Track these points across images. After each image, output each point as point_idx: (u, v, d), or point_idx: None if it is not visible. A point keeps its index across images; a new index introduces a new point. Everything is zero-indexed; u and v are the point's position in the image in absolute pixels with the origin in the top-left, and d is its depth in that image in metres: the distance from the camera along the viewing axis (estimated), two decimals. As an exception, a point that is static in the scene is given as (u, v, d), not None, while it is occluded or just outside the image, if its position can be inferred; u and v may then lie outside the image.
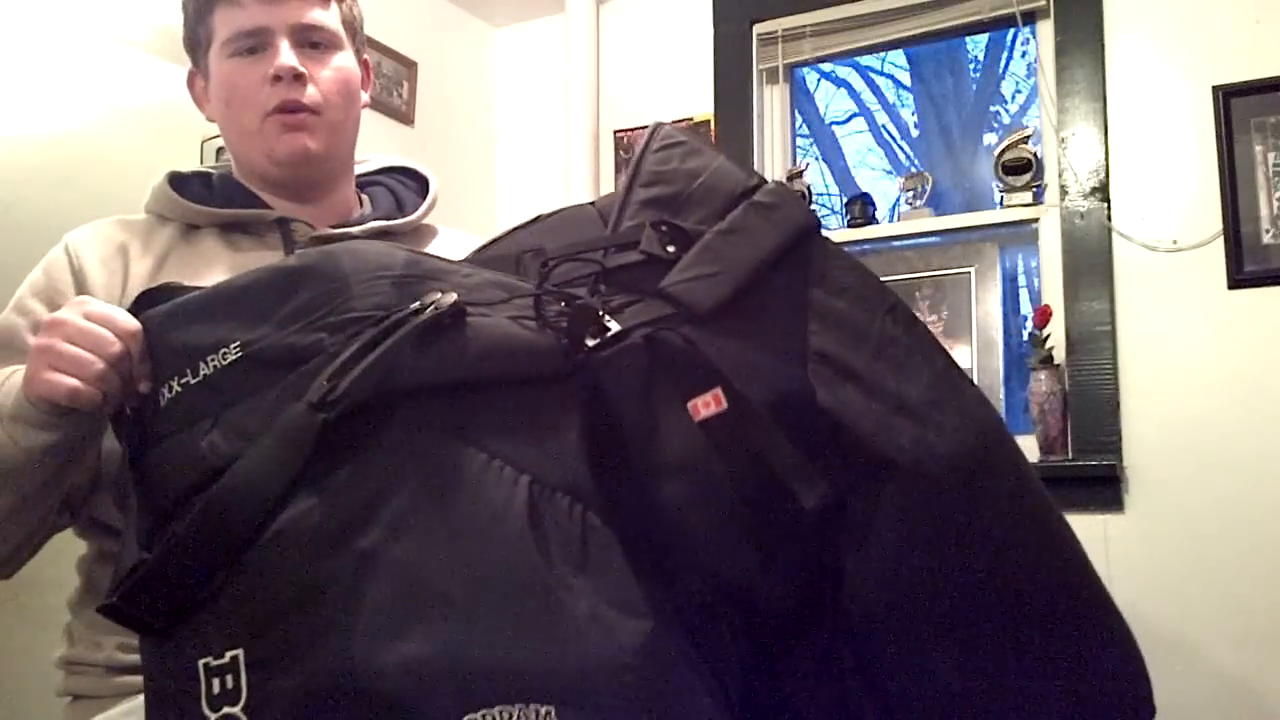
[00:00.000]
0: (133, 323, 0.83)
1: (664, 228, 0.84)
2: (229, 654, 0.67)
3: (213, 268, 1.14)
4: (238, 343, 0.76)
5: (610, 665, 0.69)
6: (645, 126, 2.82)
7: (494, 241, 0.95)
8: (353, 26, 1.23)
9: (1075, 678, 0.80)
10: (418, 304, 0.75)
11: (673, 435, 0.76)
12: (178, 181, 1.19)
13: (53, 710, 1.13)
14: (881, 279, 0.87)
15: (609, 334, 0.78)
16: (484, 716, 0.64)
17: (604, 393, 0.77)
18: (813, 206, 2.82)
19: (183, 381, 0.76)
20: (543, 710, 0.65)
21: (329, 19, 1.18)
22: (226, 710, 0.66)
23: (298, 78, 1.14)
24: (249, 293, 0.79)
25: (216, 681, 0.67)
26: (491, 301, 0.80)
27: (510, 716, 0.64)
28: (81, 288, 1.11)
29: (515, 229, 0.95)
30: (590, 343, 0.78)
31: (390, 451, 0.72)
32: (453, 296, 0.75)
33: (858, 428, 0.78)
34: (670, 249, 0.83)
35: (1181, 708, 2.17)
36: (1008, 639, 0.79)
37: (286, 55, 1.14)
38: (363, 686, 0.64)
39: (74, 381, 0.83)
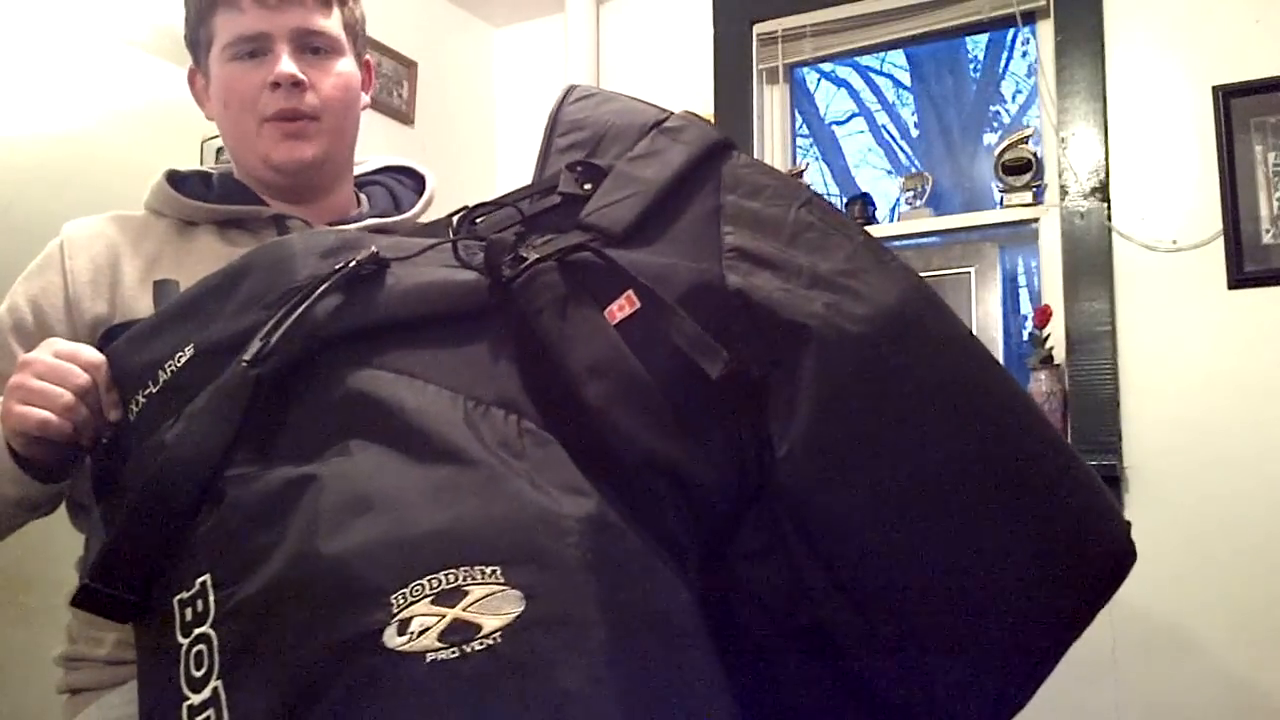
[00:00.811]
0: (96, 356, 0.89)
1: (579, 167, 0.88)
2: (197, 581, 0.71)
3: (208, 264, 1.14)
4: (191, 343, 0.80)
5: (556, 527, 0.70)
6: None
7: None
8: (354, 30, 1.23)
9: (1040, 533, 0.78)
10: (339, 263, 0.80)
11: (592, 341, 0.79)
12: (176, 179, 1.20)
13: (52, 710, 1.13)
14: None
15: (525, 262, 0.82)
16: (430, 580, 0.65)
17: (527, 317, 0.81)
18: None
19: (146, 393, 0.81)
20: (488, 570, 0.66)
21: (330, 24, 1.18)
22: (197, 632, 0.69)
23: (297, 85, 1.14)
24: (200, 298, 0.84)
25: (189, 610, 0.70)
26: (411, 254, 0.84)
27: (455, 578, 0.65)
28: (70, 288, 1.11)
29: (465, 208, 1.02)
30: (507, 273, 0.82)
31: (322, 390, 0.76)
32: (370, 250, 0.80)
33: (769, 302, 0.79)
34: (586, 186, 0.87)
35: (1181, 707, 2.17)
36: (956, 499, 0.77)
37: (286, 63, 1.14)
38: (315, 573, 0.67)
39: (44, 414, 0.88)
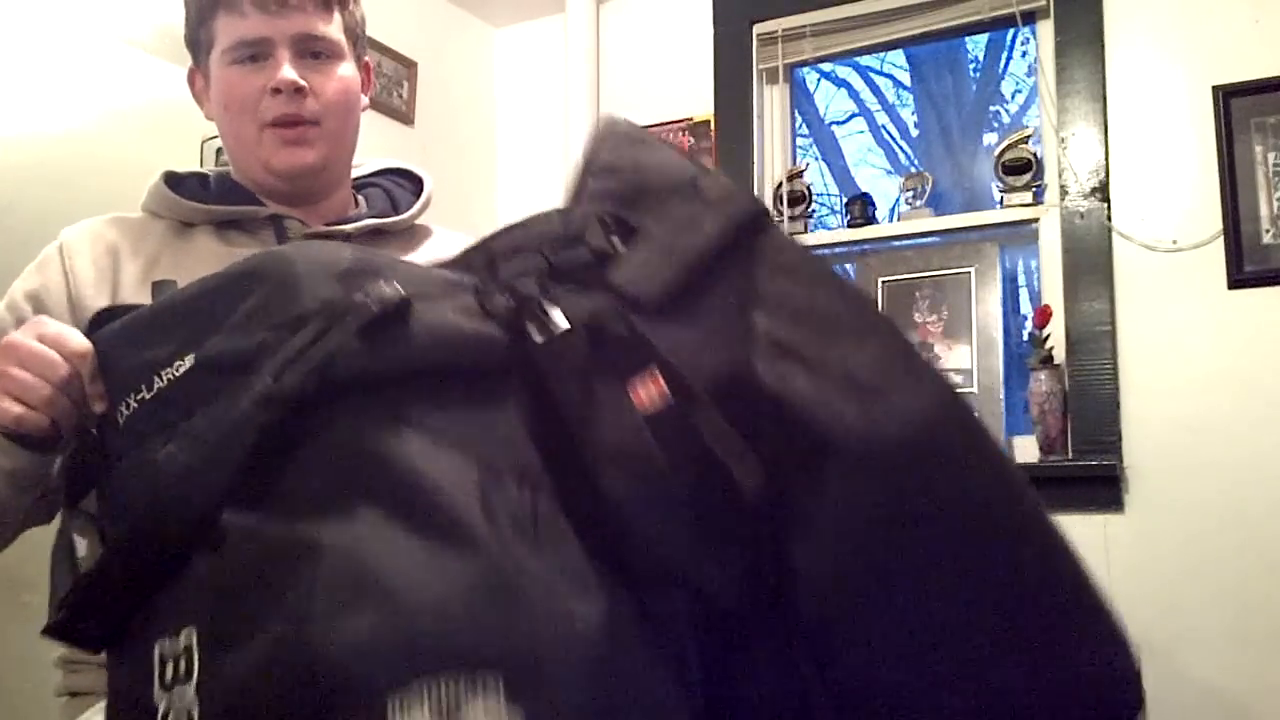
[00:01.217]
0: (83, 344, 0.84)
1: (609, 220, 0.84)
2: (182, 633, 0.68)
3: (207, 265, 1.14)
4: (190, 354, 0.76)
5: (562, 637, 0.67)
6: (645, 126, 2.83)
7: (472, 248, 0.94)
8: (354, 34, 1.23)
9: (1058, 678, 0.77)
10: (360, 295, 0.75)
11: (613, 421, 0.75)
12: (173, 180, 1.20)
13: (51, 712, 1.13)
14: (845, 275, 0.88)
15: (550, 324, 0.78)
16: (429, 685, 0.63)
17: (548, 382, 0.77)
18: (813, 206, 2.82)
19: (138, 398, 0.77)
20: (490, 680, 0.64)
21: (331, 29, 1.18)
22: (179, 692, 0.67)
23: (298, 91, 1.14)
24: (199, 301, 0.80)
25: (170, 666, 0.68)
26: (432, 295, 0.79)
27: (455, 683, 0.63)
28: (73, 287, 1.11)
29: (485, 237, 0.95)
30: (533, 333, 0.78)
31: (333, 444, 0.72)
32: (396, 288, 0.75)
33: (799, 405, 0.74)
34: (615, 241, 0.83)
35: (1181, 707, 2.17)
36: (981, 637, 0.74)
37: (287, 69, 1.14)
38: (308, 661, 0.64)
39: (19, 409, 0.85)
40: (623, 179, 0.88)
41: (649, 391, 0.75)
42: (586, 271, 0.82)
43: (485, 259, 0.87)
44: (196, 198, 1.18)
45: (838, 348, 0.77)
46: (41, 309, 1.11)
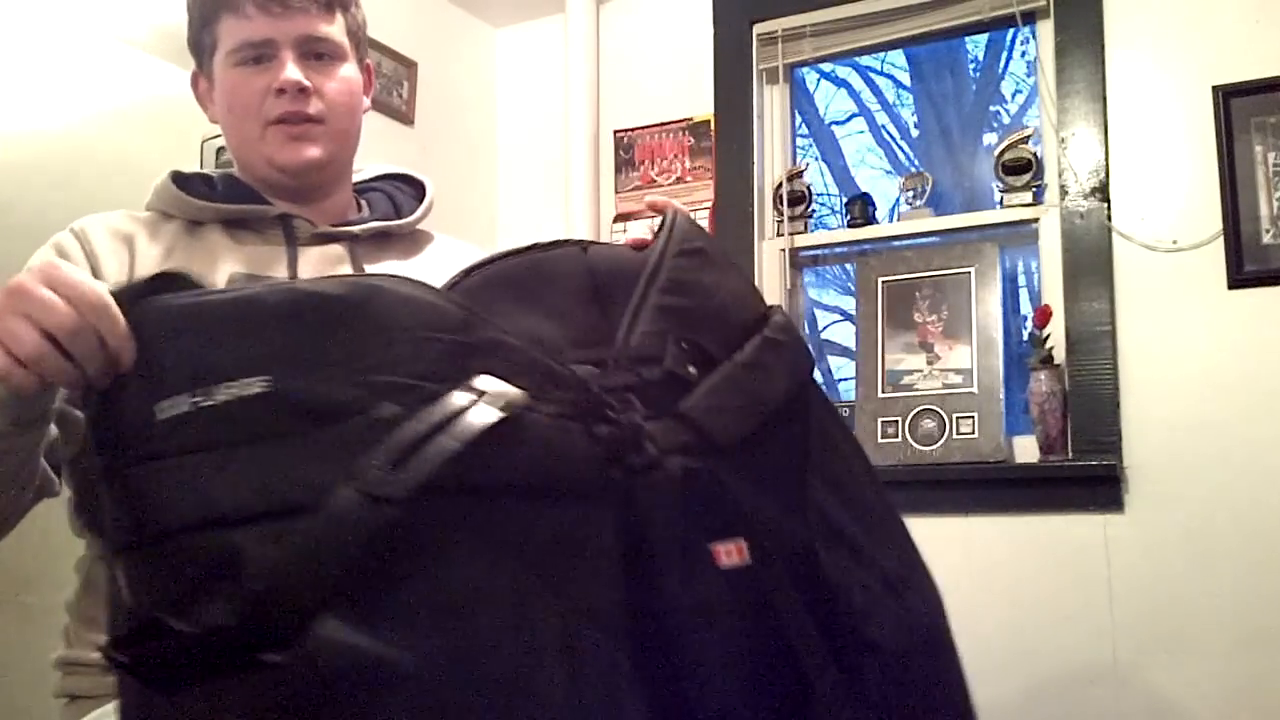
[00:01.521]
0: (100, 295, 0.72)
1: (684, 345, 0.83)
2: None
3: (218, 261, 1.15)
4: (266, 376, 0.67)
5: None
6: (645, 126, 2.82)
7: (487, 263, 0.94)
8: (356, 35, 1.24)
9: None
10: (474, 395, 0.69)
11: (700, 581, 0.75)
12: (179, 180, 1.20)
13: (52, 711, 1.13)
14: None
15: (648, 458, 0.75)
16: None
17: (640, 520, 0.75)
18: (813, 206, 2.82)
19: (194, 401, 0.67)
20: None
21: (334, 31, 1.20)
22: None
23: (302, 91, 1.16)
24: (281, 314, 0.70)
25: None
26: (540, 394, 0.74)
27: None
28: (94, 270, 1.11)
29: (507, 255, 0.94)
30: (631, 463, 0.75)
31: (429, 559, 0.67)
32: (515, 394, 0.70)
33: (855, 608, 0.81)
34: (691, 370, 0.82)
35: (1181, 708, 2.17)
36: None
37: (291, 70, 1.15)
38: None
39: (3, 360, 0.74)
40: (694, 301, 0.87)
41: (732, 552, 0.76)
42: (662, 393, 0.80)
43: (556, 353, 0.82)
44: (203, 197, 1.19)
45: (873, 540, 0.85)
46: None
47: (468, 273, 0.95)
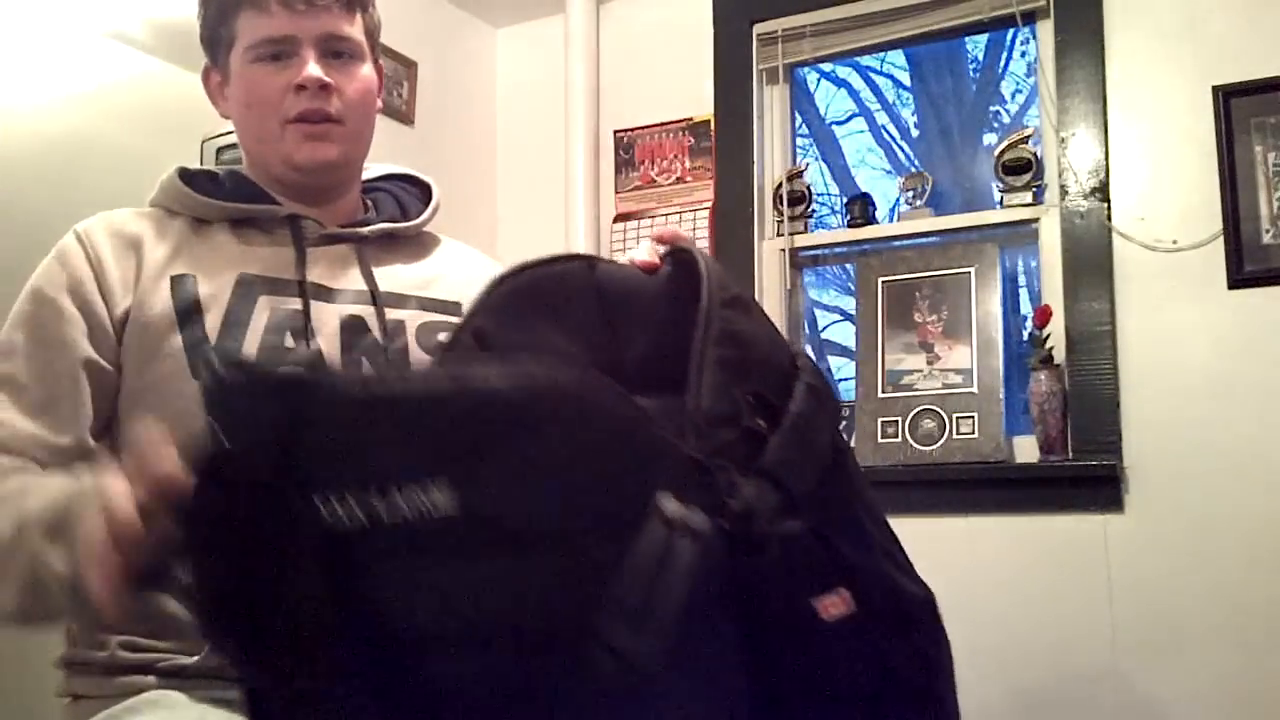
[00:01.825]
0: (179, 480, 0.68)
1: (751, 398, 0.85)
2: None
3: (227, 262, 1.15)
4: (451, 490, 0.61)
5: None
6: (645, 126, 2.81)
7: (515, 273, 0.97)
8: (373, 36, 1.25)
9: None
10: (665, 525, 0.69)
11: (807, 634, 0.78)
12: (185, 177, 1.20)
13: (52, 711, 1.13)
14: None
15: (762, 532, 0.77)
16: None
17: (758, 594, 0.78)
18: (813, 206, 2.82)
19: (365, 510, 0.60)
20: None
21: (354, 30, 1.19)
22: None
23: (323, 88, 1.15)
24: (456, 409, 0.64)
25: None
26: (693, 498, 0.74)
27: None
28: (100, 279, 1.11)
29: (531, 265, 0.98)
30: (747, 541, 0.77)
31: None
32: (699, 522, 0.70)
33: (917, 613, 0.87)
34: (761, 422, 0.84)
35: (1181, 707, 2.17)
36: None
37: (313, 67, 1.15)
38: None
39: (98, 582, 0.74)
40: (745, 351, 0.89)
41: (837, 604, 0.79)
42: (737, 449, 0.82)
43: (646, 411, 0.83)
44: (211, 195, 1.19)
45: (906, 561, 0.91)
46: (79, 298, 1.10)
47: (499, 282, 0.98)
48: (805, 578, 0.79)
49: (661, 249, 1.00)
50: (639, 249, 1.03)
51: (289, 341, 1.12)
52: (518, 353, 0.96)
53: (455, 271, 1.29)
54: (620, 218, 2.95)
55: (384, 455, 0.62)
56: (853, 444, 2.55)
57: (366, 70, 1.21)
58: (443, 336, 1.20)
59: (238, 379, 0.65)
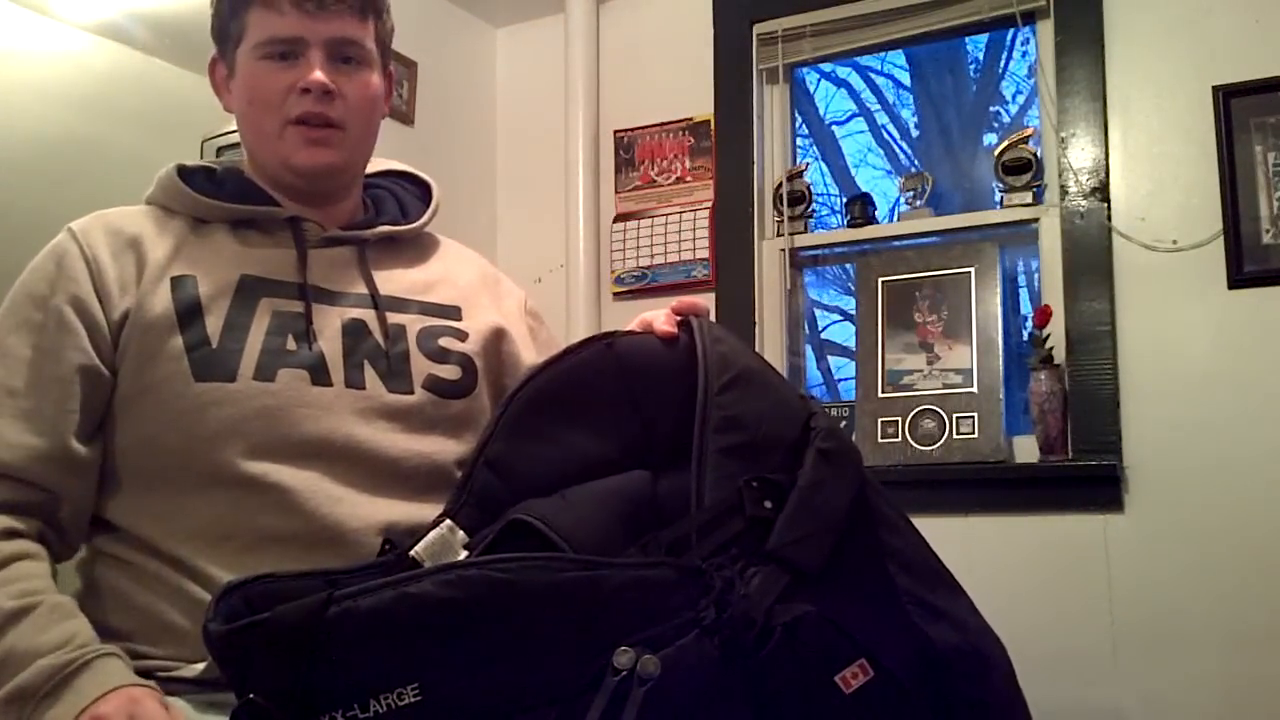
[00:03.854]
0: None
1: (754, 484, 0.88)
2: None
3: (228, 264, 1.14)
4: (416, 684, 0.73)
5: None
6: (645, 126, 2.82)
7: (524, 385, 1.02)
8: (384, 44, 1.25)
9: None
10: (618, 673, 0.75)
11: (827, 707, 0.80)
12: (184, 174, 1.20)
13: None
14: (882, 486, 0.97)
15: (763, 628, 0.80)
16: None
17: (761, 682, 0.80)
18: (813, 206, 2.82)
19: (349, 715, 0.73)
20: None
21: (365, 36, 1.19)
22: None
23: (327, 93, 1.15)
24: (423, 623, 0.75)
25: None
26: (669, 632, 0.79)
27: None
28: (97, 280, 1.10)
29: (540, 371, 1.02)
30: (749, 640, 0.80)
31: None
32: (649, 662, 0.76)
33: (961, 668, 0.89)
34: (767, 504, 0.87)
35: (1181, 707, 2.17)
36: None
37: (319, 70, 1.14)
38: None
39: None
40: (747, 434, 0.91)
41: (857, 674, 0.81)
42: (746, 538, 0.85)
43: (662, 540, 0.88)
44: (209, 194, 1.18)
45: (952, 600, 0.93)
46: (75, 302, 1.09)
47: (507, 402, 1.01)
48: (821, 657, 0.81)
49: (678, 318, 1.04)
50: (658, 315, 1.06)
51: (290, 344, 1.12)
52: (537, 474, 0.99)
53: (456, 276, 1.29)
54: (620, 218, 2.95)
55: (366, 673, 0.73)
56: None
57: (374, 77, 1.21)
58: (443, 342, 1.21)
59: (252, 636, 0.76)
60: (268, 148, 1.18)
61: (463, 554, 0.95)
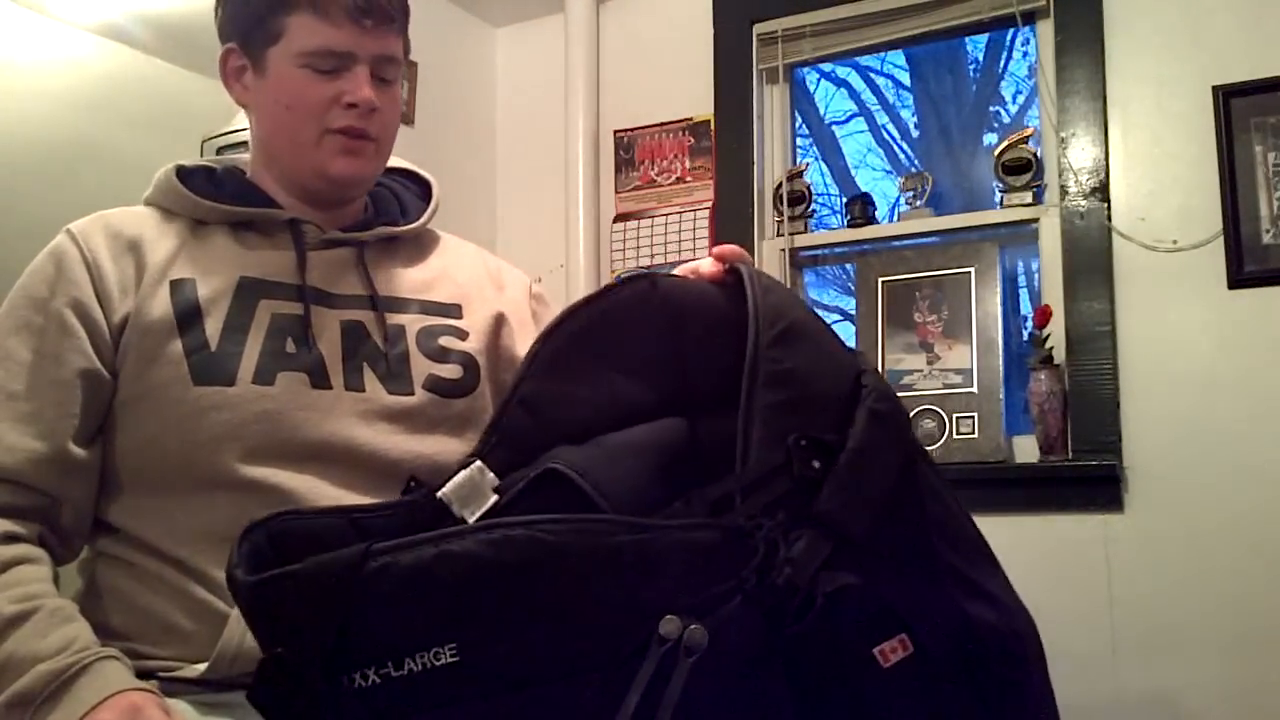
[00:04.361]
0: None
1: (803, 443, 0.84)
2: None
3: (225, 264, 1.14)
4: (453, 644, 0.70)
5: None
6: (645, 126, 2.82)
7: (559, 324, 0.97)
8: (405, 56, 1.25)
9: None
10: (664, 643, 0.73)
11: (865, 681, 0.79)
12: (182, 175, 1.19)
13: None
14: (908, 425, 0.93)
15: (806, 599, 0.78)
16: None
17: (801, 653, 0.78)
18: (813, 206, 2.82)
19: (381, 673, 0.70)
20: None
21: (400, 52, 1.20)
22: None
23: (372, 110, 1.16)
24: (462, 582, 0.72)
25: None
26: (713, 605, 0.78)
27: None
28: (97, 283, 1.10)
29: (575, 310, 0.97)
30: (792, 611, 0.78)
31: None
32: (697, 633, 0.74)
33: (998, 647, 0.88)
34: (815, 464, 0.84)
35: (1181, 707, 2.17)
36: None
37: (368, 87, 1.15)
38: None
39: None
40: (798, 391, 0.88)
41: (896, 649, 0.80)
42: (793, 497, 0.83)
43: (705, 499, 0.86)
44: (208, 194, 1.18)
45: (989, 573, 0.93)
46: (76, 305, 1.09)
47: (544, 339, 0.97)
48: (861, 629, 0.79)
49: (722, 265, 1.00)
50: (703, 261, 1.03)
51: (290, 347, 1.12)
52: (571, 416, 0.96)
53: (456, 272, 1.29)
54: (620, 218, 2.95)
55: (402, 631, 0.71)
56: (853, 444, 2.55)
57: (399, 92, 1.22)
58: (443, 341, 1.20)
59: (285, 588, 0.72)
60: (302, 154, 1.17)
61: (492, 497, 0.92)
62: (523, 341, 1.25)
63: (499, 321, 1.26)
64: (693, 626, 0.73)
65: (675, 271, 1.03)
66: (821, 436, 0.85)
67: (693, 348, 0.97)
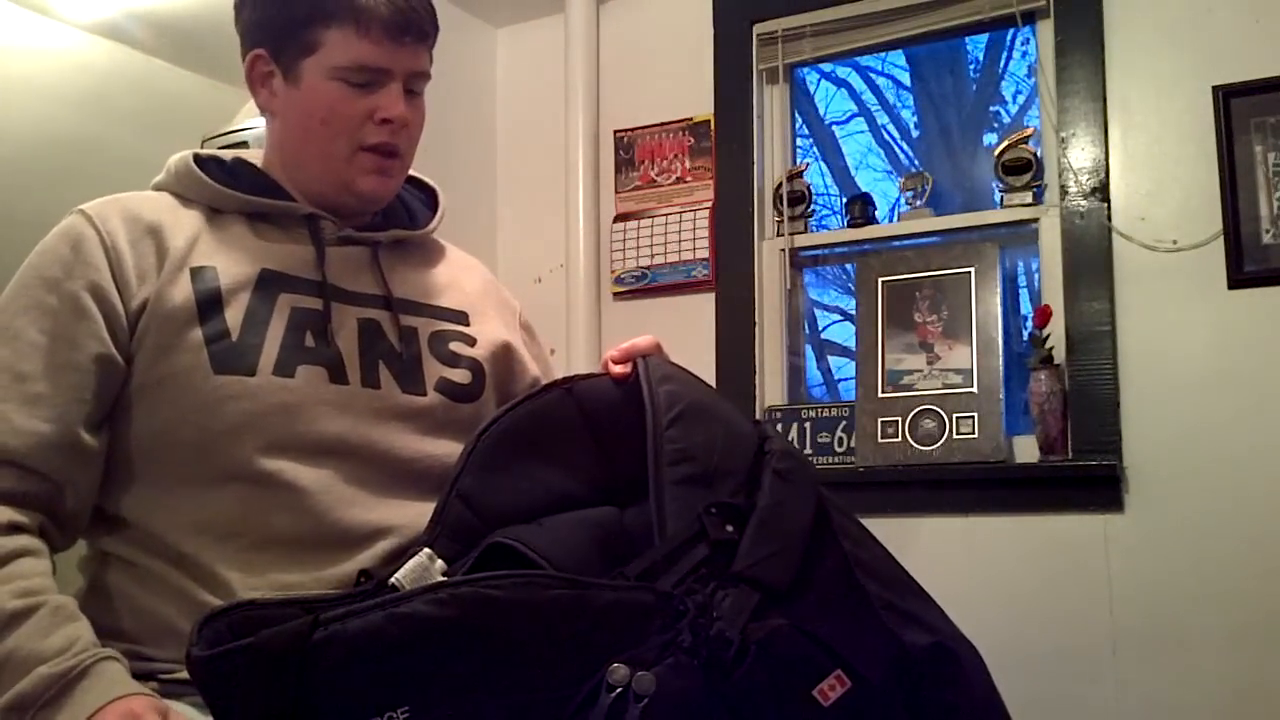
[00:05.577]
0: None
1: (713, 510, 0.90)
2: None
3: (245, 254, 1.14)
4: (406, 708, 0.73)
5: None
6: (646, 126, 2.83)
7: (491, 424, 1.04)
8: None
9: None
10: (613, 690, 0.76)
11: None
12: (199, 162, 1.19)
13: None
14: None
15: (738, 647, 0.81)
16: None
17: (739, 697, 0.80)
18: (813, 206, 2.82)
19: None
20: None
21: (429, 66, 1.21)
22: None
23: (404, 126, 1.17)
24: (419, 647, 0.75)
25: None
26: (656, 652, 0.80)
27: None
28: (115, 268, 1.09)
29: (505, 412, 1.06)
30: (726, 658, 0.81)
31: None
32: (646, 679, 0.77)
33: (931, 671, 0.90)
34: (729, 528, 0.89)
35: (1181, 707, 2.17)
36: None
37: (402, 103, 1.16)
38: None
39: None
40: (701, 464, 0.94)
41: (835, 686, 0.82)
42: (712, 564, 0.87)
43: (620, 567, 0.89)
44: (226, 184, 1.18)
45: (920, 605, 0.95)
46: (93, 287, 1.08)
47: (477, 439, 1.04)
48: (797, 670, 0.82)
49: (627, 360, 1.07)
50: (612, 354, 1.09)
51: (309, 341, 1.12)
52: (508, 507, 1.01)
53: (463, 283, 1.30)
54: (620, 218, 2.96)
55: (354, 696, 0.73)
56: (853, 444, 2.55)
57: (424, 103, 1.22)
58: (454, 346, 1.21)
59: (236, 661, 0.75)
60: (331, 168, 1.17)
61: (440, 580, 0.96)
62: (529, 365, 1.30)
63: (507, 344, 1.28)
64: (641, 674, 0.76)
65: (597, 368, 1.12)
66: (730, 501, 0.90)
67: (609, 441, 1.05)
